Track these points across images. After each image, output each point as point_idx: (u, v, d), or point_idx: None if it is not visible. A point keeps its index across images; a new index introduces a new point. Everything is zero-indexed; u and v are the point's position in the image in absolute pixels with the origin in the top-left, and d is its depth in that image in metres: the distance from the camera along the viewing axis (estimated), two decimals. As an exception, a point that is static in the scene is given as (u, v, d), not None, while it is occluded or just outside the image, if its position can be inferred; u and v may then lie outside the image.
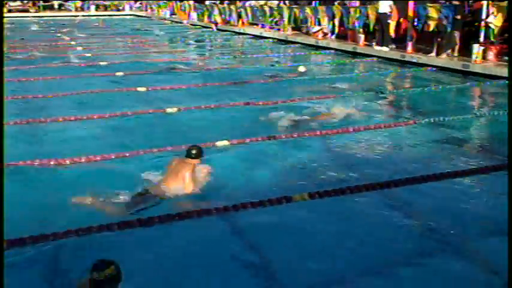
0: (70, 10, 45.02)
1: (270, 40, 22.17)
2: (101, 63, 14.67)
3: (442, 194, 5.36)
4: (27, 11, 41.68)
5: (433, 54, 14.25)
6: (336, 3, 19.55)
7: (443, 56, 13.98)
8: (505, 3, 12.47)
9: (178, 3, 37.13)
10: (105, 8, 47.19)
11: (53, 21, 34.72)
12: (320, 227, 4.62)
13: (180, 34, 25.82)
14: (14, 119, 7.81)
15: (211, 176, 5.34)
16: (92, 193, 4.95)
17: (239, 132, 7.28)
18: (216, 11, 29.41)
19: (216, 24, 28.33)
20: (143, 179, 5.37)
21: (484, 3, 13.07)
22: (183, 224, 4.49)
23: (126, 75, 12.56)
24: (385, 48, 15.98)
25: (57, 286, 3.77)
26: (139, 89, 10.75)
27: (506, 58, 13.14)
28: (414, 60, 14.49)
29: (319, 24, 19.91)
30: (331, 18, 19.01)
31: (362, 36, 17.43)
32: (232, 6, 27.75)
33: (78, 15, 41.21)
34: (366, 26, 17.25)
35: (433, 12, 14.32)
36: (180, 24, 32.47)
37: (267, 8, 24.24)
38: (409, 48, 15.22)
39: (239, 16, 26.62)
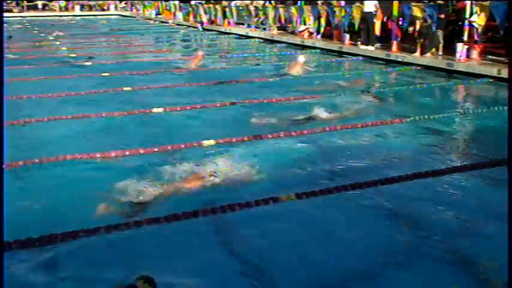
0: (54, 10, 44.68)
1: (256, 40, 22.17)
2: (86, 63, 14.59)
3: (428, 192, 5.39)
4: (10, 11, 41.33)
5: (418, 53, 14.35)
6: (319, 3, 19.58)
7: (428, 55, 14.09)
8: (487, 3, 12.58)
9: (164, 3, 37.02)
10: (90, 8, 46.91)
11: (38, 21, 34.45)
12: (307, 227, 4.62)
13: (165, 34, 25.74)
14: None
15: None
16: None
17: (225, 132, 7.28)
18: (201, 11, 29.37)
19: (201, 24, 28.28)
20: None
21: (468, 2, 13.18)
22: (171, 226, 4.47)
23: (112, 75, 12.50)
24: (370, 48, 16.06)
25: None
26: (125, 89, 10.71)
27: (490, 57, 13.28)
28: (399, 59, 14.59)
29: (305, 24, 19.96)
30: (317, 17, 19.06)
31: (347, 36, 17.51)
32: (217, 6, 27.72)
33: (62, 15, 40.89)
34: (351, 26, 17.32)
35: (417, 12, 14.42)
36: (165, 24, 32.36)
37: (252, 8, 24.25)
38: (394, 47, 15.31)
39: (224, 16, 26.61)
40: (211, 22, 28.09)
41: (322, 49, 17.98)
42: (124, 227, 4.33)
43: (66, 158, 6.10)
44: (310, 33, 19.91)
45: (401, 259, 4.12)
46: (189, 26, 29.32)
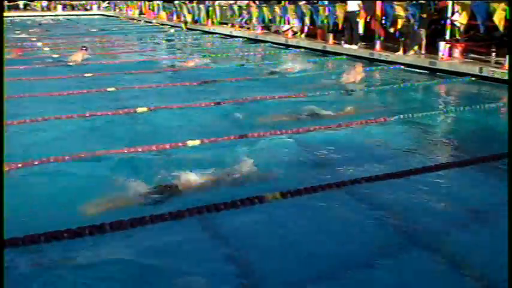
0: (36, 10, 44.28)
1: (240, 39, 22.17)
2: (69, 64, 14.49)
3: (412, 189, 5.42)
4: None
5: (401, 52, 14.46)
6: (301, 3, 19.63)
7: (410, 53, 14.20)
8: (469, 2, 12.71)
9: (147, 2, 36.88)
10: (73, 7, 46.56)
11: (20, 21, 34.12)
12: (293, 226, 4.63)
13: (149, 34, 25.64)
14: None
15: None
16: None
17: (211, 132, 7.27)
18: (185, 10, 29.30)
19: (185, 23, 28.21)
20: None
21: (449, 2, 13.31)
22: (156, 227, 4.46)
23: (95, 76, 12.43)
24: (353, 47, 16.15)
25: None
26: (108, 89, 10.66)
27: (472, 55, 13.41)
28: (382, 58, 14.69)
29: (289, 23, 20.01)
30: (301, 17, 19.12)
31: (331, 35, 17.58)
32: (201, 6, 27.67)
33: (44, 16, 40.54)
34: (334, 25, 17.39)
35: (400, 11, 14.53)
36: (149, 24, 32.22)
37: (236, 7, 24.25)
38: (377, 46, 15.41)
39: (208, 15, 26.58)
40: (195, 21, 28.03)
41: (306, 48, 18.05)
42: (108, 228, 4.32)
43: (50, 160, 6.05)
44: (294, 33, 19.97)
45: (388, 256, 4.15)
46: (173, 26, 29.23)
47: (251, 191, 5.09)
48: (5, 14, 39.21)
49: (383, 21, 15.70)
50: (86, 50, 15.98)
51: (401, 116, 8.25)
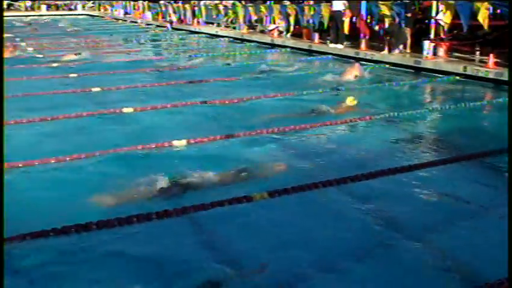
0: (20, 10, 43.91)
1: (226, 39, 22.15)
2: (54, 64, 14.39)
3: (398, 187, 5.47)
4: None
5: (386, 51, 14.54)
6: (287, 3, 19.68)
7: (395, 52, 14.29)
8: (453, 2, 12.81)
9: (132, 2, 36.74)
10: (57, 7, 46.22)
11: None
12: (281, 226, 4.63)
13: (134, 34, 25.53)
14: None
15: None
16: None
17: (197, 132, 7.26)
18: (170, 10, 29.23)
19: (171, 23, 28.14)
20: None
21: (434, 1, 13.40)
22: (143, 225, 4.45)
23: (80, 76, 12.36)
24: (339, 46, 16.21)
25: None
26: (93, 89, 10.60)
27: (456, 54, 13.53)
28: (368, 57, 14.76)
29: (274, 23, 20.05)
30: (286, 16, 19.16)
31: (317, 34, 17.64)
32: (186, 5, 27.61)
33: (28, 16, 40.22)
34: (320, 24, 17.45)
35: (385, 10, 14.62)
36: (134, 24, 32.08)
37: (221, 7, 24.23)
38: (363, 45, 15.48)
39: (194, 15, 26.53)
40: (181, 21, 27.98)
41: (291, 48, 18.08)
42: (94, 227, 4.31)
43: (34, 162, 6.00)
44: (280, 32, 20.00)
45: (376, 253, 4.17)
46: (158, 26, 29.13)
47: (239, 190, 5.10)
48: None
49: (368, 21, 15.81)
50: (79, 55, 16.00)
51: (387, 115, 8.31)
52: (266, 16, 20.55)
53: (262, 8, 20.62)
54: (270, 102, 9.51)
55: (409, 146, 7.11)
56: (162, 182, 5.33)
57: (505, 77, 10.94)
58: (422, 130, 8.07)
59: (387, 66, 13.82)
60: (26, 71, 13.11)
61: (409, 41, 14.46)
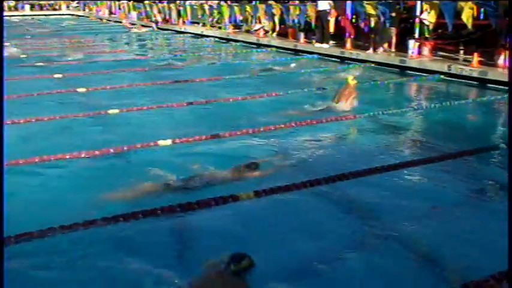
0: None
1: (211, 39, 22.13)
2: (38, 64, 14.27)
3: (383, 186, 5.49)
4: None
5: (371, 50, 14.61)
6: (271, 2, 19.70)
7: (379, 51, 14.37)
8: (437, 2, 12.90)
9: (117, 2, 36.59)
10: (41, 7, 45.86)
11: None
12: (267, 225, 4.64)
13: (119, 34, 25.42)
14: None
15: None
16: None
17: (183, 132, 7.24)
18: (155, 10, 29.14)
19: (156, 23, 28.05)
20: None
21: (418, 1, 13.49)
22: (129, 225, 4.43)
23: (65, 77, 12.27)
24: (325, 45, 16.25)
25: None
26: (78, 90, 10.53)
27: (440, 53, 13.63)
28: (353, 57, 14.82)
29: (260, 23, 20.06)
30: (272, 16, 19.18)
31: (302, 34, 17.68)
32: (172, 5, 27.55)
33: (12, 15, 39.86)
34: (306, 24, 17.49)
35: (370, 10, 14.68)
36: (119, 24, 31.93)
37: (207, 7, 24.21)
38: (348, 45, 15.54)
39: (179, 15, 26.48)
40: (166, 21, 27.90)
41: (277, 47, 18.10)
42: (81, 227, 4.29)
43: (19, 163, 5.95)
44: (266, 32, 20.02)
45: (360, 253, 4.19)
46: (144, 26, 29.01)
47: (225, 190, 5.09)
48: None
49: (353, 20, 15.88)
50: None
51: (372, 113, 8.34)
52: (251, 16, 20.55)
53: (248, 8, 20.62)
54: (256, 101, 9.51)
55: (393, 144, 7.15)
56: (148, 182, 5.32)
57: (489, 76, 11.05)
58: (407, 129, 8.11)
59: (372, 65, 13.89)
60: (10, 71, 12.98)
61: (394, 40, 14.55)
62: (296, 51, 16.98)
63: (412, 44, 13.36)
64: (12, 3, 44.76)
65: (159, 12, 28.76)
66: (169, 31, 25.90)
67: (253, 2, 21.29)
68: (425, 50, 13.47)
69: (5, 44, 19.73)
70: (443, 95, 10.62)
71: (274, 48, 18.08)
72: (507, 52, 11.40)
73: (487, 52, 12.16)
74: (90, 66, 14.11)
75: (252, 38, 19.90)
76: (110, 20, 34.93)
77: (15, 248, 4.01)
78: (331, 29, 16.44)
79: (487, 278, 3.38)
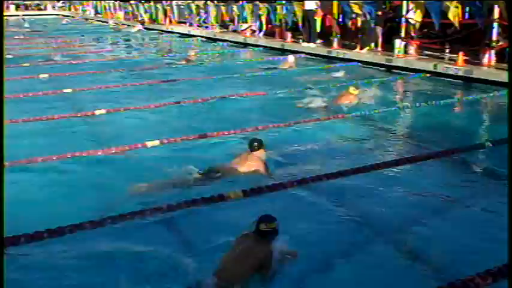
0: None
1: (198, 38, 22.10)
2: (24, 65, 14.17)
3: (371, 185, 5.51)
4: None
5: (357, 49, 14.67)
6: (257, 2, 19.72)
7: (364, 50, 14.44)
8: (423, 1, 12.99)
9: (103, 2, 36.41)
10: (26, 7, 45.49)
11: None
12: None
13: (106, 34, 25.30)
14: None
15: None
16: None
17: (170, 132, 7.23)
18: (141, 10, 29.04)
19: (142, 23, 27.96)
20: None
21: (404, 1, 13.55)
22: (118, 226, 4.42)
23: (51, 77, 12.20)
24: (312, 45, 16.29)
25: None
26: (65, 90, 10.47)
27: (426, 52, 13.71)
28: (340, 56, 14.87)
29: (247, 22, 20.08)
30: (258, 16, 19.20)
31: (289, 33, 17.71)
32: (158, 5, 27.47)
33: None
34: (293, 23, 17.53)
35: (356, 9, 14.74)
36: (105, 24, 31.78)
37: (194, 7, 24.16)
38: (335, 44, 15.59)
39: (166, 15, 26.42)
40: (153, 21, 27.80)
41: (264, 47, 18.12)
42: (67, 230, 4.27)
43: (5, 165, 5.90)
44: (253, 31, 20.03)
45: (350, 250, 4.21)
46: (130, 26, 28.90)
47: (212, 189, 5.09)
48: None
49: (339, 19, 15.93)
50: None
51: (359, 113, 8.38)
52: (238, 15, 20.55)
53: (234, 8, 20.61)
54: (244, 101, 9.51)
55: (380, 143, 7.19)
56: (136, 182, 5.31)
57: (474, 75, 11.14)
58: (393, 128, 8.15)
59: (359, 64, 13.95)
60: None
61: (380, 40, 14.63)
62: (283, 51, 16.99)
63: (398, 43, 13.43)
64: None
65: (145, 12, 28.66)
66: (156, 31, 25.82)
67: (241, 3, 21.25)
68: (411, 49, 13.54)
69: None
70: (429, 94, 10.68)
71: (261, 48, 18.10)
72: (492, 51, 11.50)
73: (472, 51, 12.26)
74: (77, 67, 14.03)
75: (239, 38, 19.89)
76: (96, 20, 34.72)
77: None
78: (318, 28, 16.48)
79: (472, 276, 3.41)
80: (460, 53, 11.76)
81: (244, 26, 20.26)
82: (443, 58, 12.95)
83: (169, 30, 25.17)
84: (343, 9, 15.61)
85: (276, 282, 3.71)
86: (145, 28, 27.09)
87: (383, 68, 13.34)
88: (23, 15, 41.25)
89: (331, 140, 7.32)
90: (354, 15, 15.09)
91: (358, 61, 14.10)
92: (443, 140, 7.25)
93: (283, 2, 18.10)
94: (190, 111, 8.84)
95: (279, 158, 6.32)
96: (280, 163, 6.17)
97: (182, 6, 25.35)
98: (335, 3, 15.69)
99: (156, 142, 6.71)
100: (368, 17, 14.41)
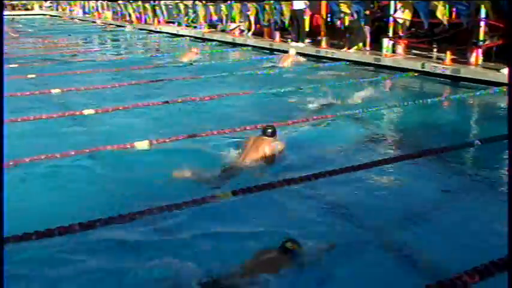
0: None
1: (187, 38, 22.06)
2: (11, 65, 14.06)
3: (359, 184, 5.54)
4: None
5: (345, 49, 14.72)
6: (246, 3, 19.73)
7: (353, 49, 14.49)
8: (411, 1, 13.06)
9: (91, 2, 36.24)
10: (13, 7, 45.13)
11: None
12: (244, 225, 4.65)
13: (94, 34, 25.18)
14: None
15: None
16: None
17: (159, 132, 7.22)
18: (130, 10, 28.94)
19: (131, 23, 27.87)
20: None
21: (392, 1, 13.62)
22: (110, 227, 4.40)
23: (39, 77, 12.12)
24: (300, 44, 16.31)
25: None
26: (53, 91, 10.41)
27: (414, 51, 13.78)
28: (329, 55, 14.90)
29: (235, 22, 20.08)
30: (247, 15, 19.20)
31: (278, 33, 17.73)
32: (146, 5, 27.38)
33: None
34: (282, 23, 17.55)
35: (345, 8, 14.79)
36: (94, 24, 31.63)
37: (182, 6, 24.11)
38: (323, 43, 15.62)
39: (154, 14, 26.34)
40: (141, 21, 27.72)
41: (253, 47, 18.12)
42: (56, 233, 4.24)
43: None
44: (241, 31, 20.02)
45: (339, 251, 4.22)
46: (118, 26, 28.79)
47: (202, 190, 5.09)
48: None
49: (328, 19, 15.99)
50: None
51: (349, 112, 8.40)
52: (226, 15, 20.53)
53: (223, 8, 20.59)
54: (232, 100, 9.50)
55: (369, 142, 7.20)
56: (124, 183, 5.30)
57: (462, 74, 11.21)
58: (382, 127, 8.19)
59: (348, 63, 13.99)
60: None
61: (368, 39, 14.68)
62: (272, 50, 17.00)
63: (387, 43, 13.49)
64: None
65: (134, 11, 28.55)
66: (145, 31, 25.74)
67: (229, 2, 21.23)
68: (399, 49, 13.60)
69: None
70: (418, 93, 10.75)
71: (249, 48, 18.10)
72: (479, 50, 11.58)
73: (460, 50, 12.34)
74: (65, 67, 13.95)
75: (228, 38, 19.88)
76: (84, 20, 34.55)
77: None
78: (307, 27, 16.51)
79: (460, 274, 3.43)
80: (448, 52, 11.84)
81: (233, 25, 20.25)
82: (431, 57, 13.02)
83: (158, 30, 25.10)
84: (332, 8, 15.65)
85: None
86: (134, 28, 27.00)
87: (371, 67, 13.38)
88: (10, 15, 40.94)
89: (318, 140, 7.33)
90: (342, 15, 15.13)
91: (347, 60, 14.14)
92: (431, 139, 7.29)
93: (271, 1, 18.10)
94: (179, 110, 8.82)
95: (266, 157, 6.30)
96: (268, 162, 6.16)
97: (171, 6, 25.28)
98: (323, 3, 15.73)
99: (145, 142, 6.69)
100: (356, 16, 14.46)
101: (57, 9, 44.11)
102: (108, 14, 32.49)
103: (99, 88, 11.07)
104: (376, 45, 14.27)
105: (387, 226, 4.63)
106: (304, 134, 7.51)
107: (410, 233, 4.51)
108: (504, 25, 11.03)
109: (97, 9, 34.85)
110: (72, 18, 36.28)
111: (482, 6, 11.30)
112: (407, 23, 13.56)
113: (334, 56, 14.66)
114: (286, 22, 17.02)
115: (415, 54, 13.61)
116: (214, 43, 19.97)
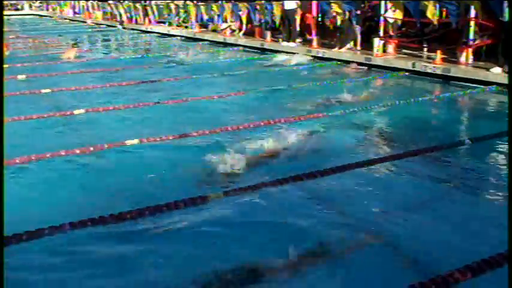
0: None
1: (178, 38, 22.02)
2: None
3: (350, 183, 5.54)
4: None
5: (336, 48, 14.75)
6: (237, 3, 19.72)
7: (344, 49, 14.52)
8: (402, 1, 13.10)
9: (81, 2, 36.12)
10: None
11: None
12: (236, 225, 4.63)
13: (84, 34, 25.09)
14: None
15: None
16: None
17: (150, 132, 7.19)
18: (121, 10, 28.86)
19: (122, 23, 27.78)
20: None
21: (383, 1, 13.67)
22: (106, 227, 4.38)
23: (29, 78, 12.06)
24: (291, 44, 16.33)
25: None
26: (43, 91, 10.35)
27: (405, 51, 13.83)
28: (320, 55, 14.93)
29: (226, 22, 20.08)
30: (238, 15, 19.20)
31: (269, 33, 17.74)
32: (137, 5, 27.32)
33: None
34: (273, 22, 17.57)
35: (336, 8, 14.83)
36: (84, 24, 31.51)
37: (173, 6, 24.08)
38: (315, 43, 15.64)
39: (145, 14, 26.28)
40: (132, 21, 27.64)
41: (244, 46, 18.12)
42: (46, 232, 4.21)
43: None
44: (233, 31, 20.02)
45: (331, 250, 4.22)
46: (109, 26, 28.70)
47: (194, 191, 5.07)
48: None
49: (319, 19, 16.02)
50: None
51: (341, 111, 8.41)
52: (218, 15, 20.52)
53: (214, 7, 20.58)
54: (224, 101, 9.49)
55: (360, 142, 7.21)
56: (117, 184, 5.28)
57: (452, 73, 11.27)
58: (373, 126, 8.18)
59: (339, 63, 14.02)
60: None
61: (359, 39, 14.72)
62: (263, 50, 17.01)
63: (377, 42, 13.52)
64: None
65: (125, 12, 28.47)
66: (135, 30, 25.67)
67: (220, 2, 21.23)
68: (390, 48, 13.65)
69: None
70: (408, 92, 10.78)
71: (240, 47, 18.09)
72: (469, 49, 11.64)
73: (450, 49, 12.40)
74: (55, 67, 13.89)
75: (219, 37, 19.87)
76: (74, 20, 34.42)
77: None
78: (298, 27, 16.53)
79: (452, 271, 3.45)
80: (438, 52, 11.89)
81: (224, 25, 20.25)
82: (421, 57, 13.07)
83: (149, 30, 25.05)
84: (322, 8, 15.68)
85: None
86: (124, 28, 26.93)
87: (362, 67, 13.41)
88: None
89: (309, 139, 7.33)
90: (333, 14, 15.17)
91: (338, 60, 14.17)
92: (422, 138, 7.31)
93: (263, 1, 18.11)
94: (170, 111, 8.80)
95: (260, 157, 6.31)
96: (262, 162, 6.17)
97: (161, 6, 25.23)
98: (314, 3, 15.76)
99: (136, 141, 6.67)
100: (347, 15, 14.49)
101: (47, 10, 43.89)
102: (99, 14, 32.38)
103: (90, 88, 11.03)
104: (367, 45, 14.30)
105: (378, 224, 4.63)
106: (297, 133, 7.50)
107: (401, 231, 4.50)
108: (494, 25, 11.10)
109: (87, 9, 34.72)
110: (63, 18, 36.10)
111: (472, 6, 11.35)
112: (399, 23, 13.63)
113: (326, 56, 14.68)
114: (277, 22, 17.04)
115: (405, 53, 13.65)
116: (206, 43, 19.98)
